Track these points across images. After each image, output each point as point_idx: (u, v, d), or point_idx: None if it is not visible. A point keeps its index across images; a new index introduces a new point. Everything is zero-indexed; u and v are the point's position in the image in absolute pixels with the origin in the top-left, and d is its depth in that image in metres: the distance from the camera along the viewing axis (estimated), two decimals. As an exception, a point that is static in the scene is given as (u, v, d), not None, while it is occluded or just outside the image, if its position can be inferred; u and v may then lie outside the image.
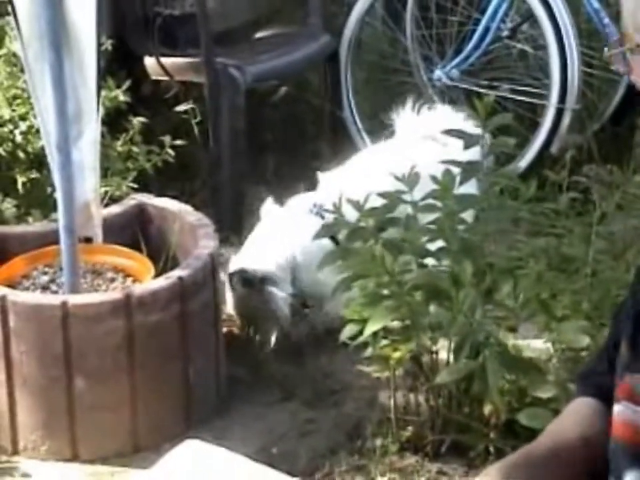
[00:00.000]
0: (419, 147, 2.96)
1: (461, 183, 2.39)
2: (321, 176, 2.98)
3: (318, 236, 2.54)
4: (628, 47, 1.18)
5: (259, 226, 2.90)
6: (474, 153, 2.47)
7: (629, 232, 2.45)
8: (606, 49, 1.23)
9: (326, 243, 2.63)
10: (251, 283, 2.75)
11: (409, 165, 2.48)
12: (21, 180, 2.96)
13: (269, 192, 3.61)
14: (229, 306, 2.82)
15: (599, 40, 3.57)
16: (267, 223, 2.89)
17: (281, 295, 2.75)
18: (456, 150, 2.51)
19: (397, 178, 2.45)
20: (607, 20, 3.48)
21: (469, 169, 2.39)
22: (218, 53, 3.44)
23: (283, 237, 2.82)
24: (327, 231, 2.60)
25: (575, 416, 1.35)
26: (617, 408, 1.24)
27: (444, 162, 2.42)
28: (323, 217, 2.78)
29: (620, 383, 1.24)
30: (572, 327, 2.25)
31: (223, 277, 2.79)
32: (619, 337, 1.28)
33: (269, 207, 2.92)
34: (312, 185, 3.09)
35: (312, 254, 2.70)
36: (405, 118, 3.14)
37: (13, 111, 3.01)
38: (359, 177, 2.86)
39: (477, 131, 2.47)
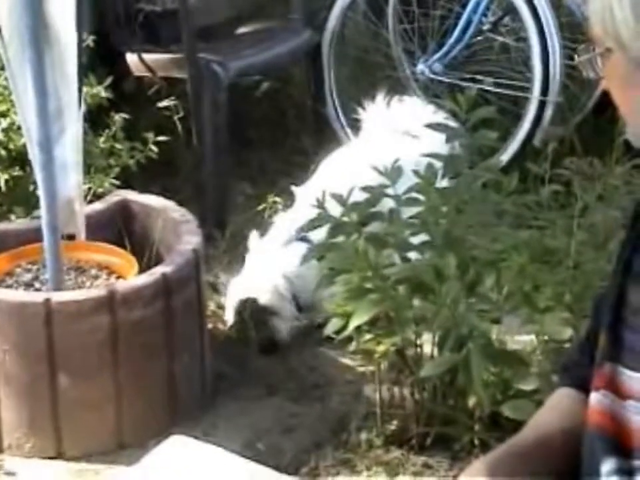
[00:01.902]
0: (392, 142, 2.95)
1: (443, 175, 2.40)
2: (296, 190, 2.97)
3: (305, 260, 2.54)
4: (598, 52, 1.17)
5: (250, 258, 2.93)
6: (444, 147, 2.48)
7: (610, 223, 2.45)
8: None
9: (314, 263, 2.63)
10: (257, 313, 2.80)
11: (383, 161, 2.49)
12: (3, 177, 2.95)
13: (252, 187, 3.62)
14: (228, 315, 2.86)
15: (581, 32, 3.58)
16: (257, 257, 2.91)
17: (284, 326, 2.82)
18: (428, 144, 2.52)
19: (378, 171, 2.46)
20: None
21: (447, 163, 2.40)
22: (200, 48, 3.43)
23: (275, 268, 2.85)
24: (311, 227, 2.59)
25: (556, 408, 1.36)
26: (595, 396, 1.24)
27: (426, 155, 2.43)
28: (308, 241, 2.79)
29: (598, 372, 1.25)
30: (555, 319, 2.25)
31: (208, 276, 2.80)
32: (598, 327, 1.29)
33: (254, 241, 2.93)
34: (295, 180, 3.09)
35: (305, 276, 2.75)
36: (375, 112, 3.13)
37: (-6, 108, 3.01)
38: (334, 181, 2.82)
39: (451, 123, 2.48)
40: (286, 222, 2.92)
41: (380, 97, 3.14)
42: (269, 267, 2.86)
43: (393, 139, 2.98)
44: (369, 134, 3.14)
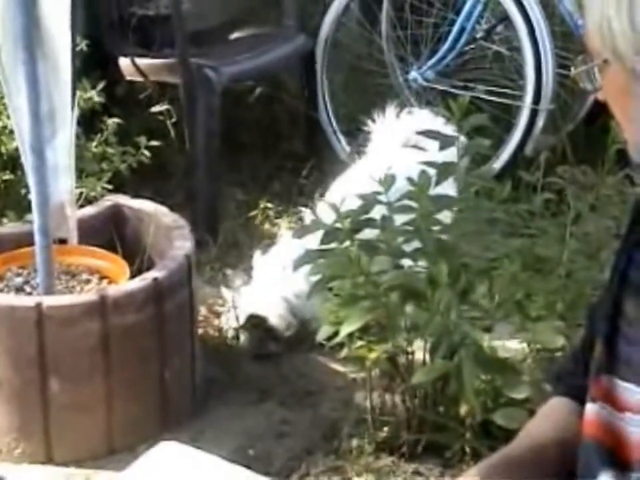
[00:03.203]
0: (401, 155, 2.93)
1: (437, 184, 2.39)
2: (306, 213, 2.93)
3: (297, 266, 2.50)
4: (595, 64, 1.16)
5: (255, 275, 2.92)
6: (451, 156, 2.47)
7: (602, 232, 2.46)
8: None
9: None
10: (259, 332, 2.80)
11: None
12: (-6, 181, 2.95)
13: (244, 193, 3.62)
14: (229, 322, 2.85)
15: (573, 41, 3.59)
16: (261, 273, 2.91)
17: (280, 341, 2.82)
18: (435, 154, 2.51)
19: (373, 179, 2.45)
20: (580, 21, 3.50)
21: (445, 170, 2.40)
22: (193, 53, 3.43)
23: (277, 286, 2.84)
24: (303, 233, 2.58)
25: (550, 417, 1.36)
26: (592, 408, 1.24)
27: (421, 163, 2.43)
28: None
29: (595, 384, 1.24)
30: (546, 327, 2.26)
31: (199, 277, 2.79)
32: (593, 337, 1.29)
33: (258, 259, 2.93)
34: (288, 186, 3.08)
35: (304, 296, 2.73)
36: (383, 124, 3.12)
37: (-14, 111, 3.00)
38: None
39: (455, 133, 2.47)
40: (293, 243, 2.81)
41: (387, 110, 3.11)
42: (275, 287, 2.84)
43: (402, 153, 2.94)
44: (378, 148, 3.12)
